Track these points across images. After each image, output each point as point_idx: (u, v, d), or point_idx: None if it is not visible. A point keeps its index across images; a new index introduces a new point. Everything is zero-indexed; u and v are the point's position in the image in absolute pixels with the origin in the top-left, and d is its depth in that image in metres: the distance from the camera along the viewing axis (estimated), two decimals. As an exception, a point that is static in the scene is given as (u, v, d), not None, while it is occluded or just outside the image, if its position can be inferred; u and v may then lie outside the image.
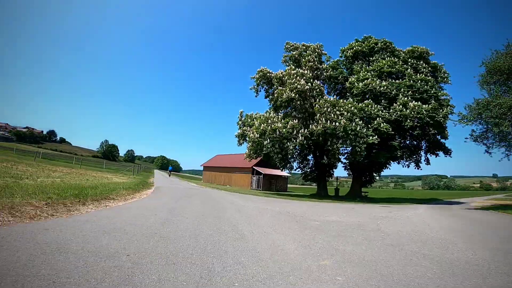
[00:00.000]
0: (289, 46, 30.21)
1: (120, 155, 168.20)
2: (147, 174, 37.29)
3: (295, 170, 28.99)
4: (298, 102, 22.04)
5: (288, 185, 48.85)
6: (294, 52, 29.32)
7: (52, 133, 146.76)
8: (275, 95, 23.54)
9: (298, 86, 22.38)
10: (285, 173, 44.47)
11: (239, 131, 27.02)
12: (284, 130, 20.58)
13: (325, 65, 30.04)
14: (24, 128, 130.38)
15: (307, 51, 27.89)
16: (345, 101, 23.11)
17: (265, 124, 21.35)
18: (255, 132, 21.16)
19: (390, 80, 25.96)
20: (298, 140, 20.18)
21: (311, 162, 31.11)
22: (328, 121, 20.55)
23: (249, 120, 26.54)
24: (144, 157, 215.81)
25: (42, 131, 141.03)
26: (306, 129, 20.94)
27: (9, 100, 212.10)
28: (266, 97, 30.47)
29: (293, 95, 21.98)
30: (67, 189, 8.76)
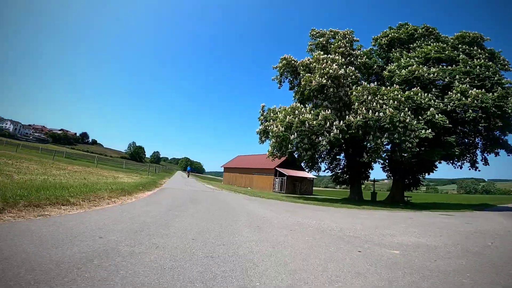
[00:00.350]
0: (314, 33, 26.60)
1: (146, 156, 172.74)
2: (165, 175, 35.28)
3: (324, 171, 25.04)
4: (331, 90, 18.32)
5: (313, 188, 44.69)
6: (321, 39, 25.68)
7: (84, 135, 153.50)
8: (303, 82, 20.00)
9: (330, 71, 18.70)
10: (310, 174, 40.50)
11: (260, 127, 23.77)
12: (314, 122, 16.98)
13: (358, 52, 26.02)
14: (59, 130, 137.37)
15: (336, 37, 24.14)
16: (388, 88, 18.96)
17: (291, 116, 17.89)
18: (279, 126, 17.74)
19: (440, 66, 21.45)
20: (332, 134, 16.47)
21: (343, 162, 27.04)
22: (370, 111, 16.64)
23: (271, 114, 23.20)
24: (169, 158, 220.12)
25: (76, 133, 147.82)
26: (341, 121, 17.17)
27: (46, 103, 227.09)
28: (291, 89, 27.05)
29: (324, 81, 18.32)
30: (29, 188, 6.11)
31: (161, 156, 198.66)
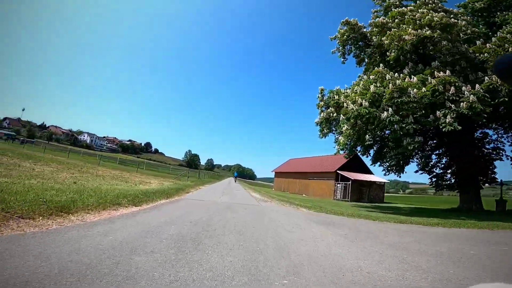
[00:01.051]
0: (380, -6, 19.69)
1: (201, 163, 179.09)
2: (210, 180, 31.42)
3: (418, 171, 17.32)
4: (444, 43, 11.36)
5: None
6: (390, 1, 18.55)
7: (148, 145, 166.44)
8: (386, 41, 13.34)
9: (436, 19, 11.83)
10: (379, 178, 32.17)
11: (321, 116, 17.70)
12: (424, 89, 10.20)
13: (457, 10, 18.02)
14: (128, 141, 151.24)
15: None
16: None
17: (377, 85, 11.44)
18: (358, 100, 11.31)
19: None
20: (463, 104, 9.43)
21: (444, 159, 18.64)
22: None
23: (336, 97, 16.99)
24: (222, 165, 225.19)
25: (141, 143, 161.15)
26: (475, 85, 10.04)
27: (116, 117, 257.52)
28: (358, 64, 20.35)
29: (427, 32, 11.49)
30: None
31: (214, 163, 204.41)
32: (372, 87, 10.94)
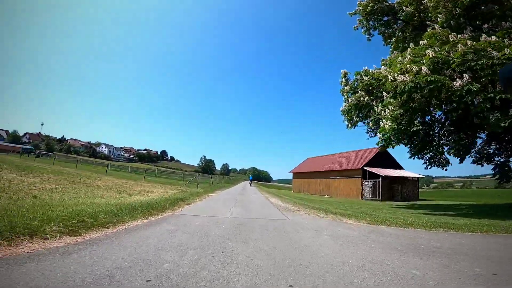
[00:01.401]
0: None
1: (217, 168, 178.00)
2: (223, 186, 28.87)
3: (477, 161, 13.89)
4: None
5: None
6: None
7: (164, 153, 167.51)
8: (431, 3, 10.32)
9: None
10: (411, 173, 28.52)
11: (348, 102, 14.88)
12: (508, 51, 7.14)
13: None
14: (144, 150, 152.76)
15: None
16: None
17: (435, 49, 8.39)
18: (413, 68, 8.16)
19: None
20: None
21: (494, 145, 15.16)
22: None
23: (366, 79, 14.12)
24: (238, 169, 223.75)
25: (157, 152, 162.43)
26: None
27: (132, 127, 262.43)
28: (385, 41, 17.27)
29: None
30: None
31: (230, 168, 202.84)
32: (429, 51, 7.95)
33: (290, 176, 43.22)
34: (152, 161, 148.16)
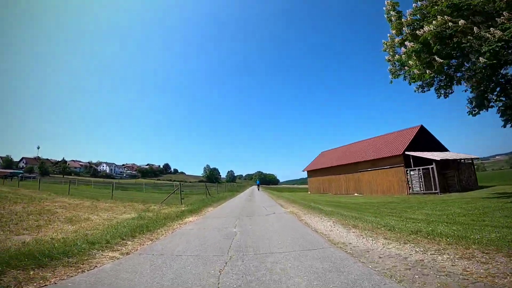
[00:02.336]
0: None
1: (222, 176, 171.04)
2: (221, 197, 22.07)
3: None
4: None
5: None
6: None
7: (166, 166, 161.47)
8: None
9: None
10: (465, 154, 21.90)
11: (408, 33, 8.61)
12: None
13: None
14: (146, 165, 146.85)
15: None
16: None
17: None
18: None
19: None
20: None
21: None
22: None
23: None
24: (244, 175, 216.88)
25: (159, 166, 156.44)
26: None
27: (133, 144, 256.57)
28: None
29: None
30: None
31: (235, 175, 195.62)
32: None
33: (298, 177, 36.84)
34: (155, 175, 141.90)
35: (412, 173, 19.88)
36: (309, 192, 33.59)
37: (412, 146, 21.25)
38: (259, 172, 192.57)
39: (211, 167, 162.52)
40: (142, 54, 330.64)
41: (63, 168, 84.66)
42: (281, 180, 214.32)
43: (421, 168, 19.28)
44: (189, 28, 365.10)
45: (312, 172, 34.15)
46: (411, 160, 19.99)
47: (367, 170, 23.86)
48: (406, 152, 20.28)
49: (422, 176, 19.13)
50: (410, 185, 20.00)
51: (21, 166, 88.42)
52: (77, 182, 35.49)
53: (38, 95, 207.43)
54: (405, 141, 21.35)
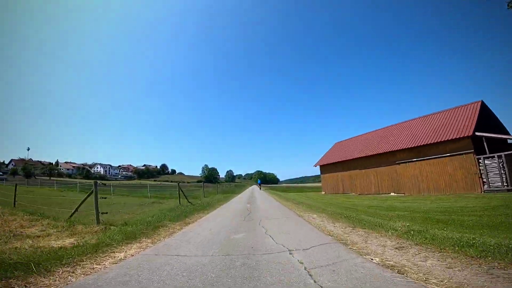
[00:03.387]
0: None
1: (221, 176, 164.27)
2: (216, 200, 15.61)
3: None
4: None
5: None
6: None
7: (164, 167, 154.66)
8: None
9: None
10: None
11: None
12: None
13: None
14: (142, 166, 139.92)
15: None
16: None
17: None
18: None
19: None
20: None
21: None
22: None
23: None
24: (243, 175, 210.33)
25: (156, 166, 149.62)
26: None
27: (130, 145, 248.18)
28: None
29: None
30: None
31: (235, 174, 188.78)
32: None
33: (299, 175, 30.74)
34: (152, 176, 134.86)
35: (487, 162, 13.62)
36: (323, 192, 27.26)
37: (485, 118, 15.11)
38: (259, 171, 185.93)
39: (209, 167, 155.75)
40: (140, 54, 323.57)
41: (49, 169, 77.81)
42: (280, 179, 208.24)
43: (502, 154, 13.00)
44: (185, 27, 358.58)
45: (326, 168, 27.77)
46: (485, 144, 13.74)
47: (411, 161, 17.53)
48: (477, 133, 14.02)
49: (506, 166, 12.88)
50: (483, 178, 13.75)
51: (9, 168, 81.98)
52: (41, 183, 28.99)
53: (34, 96, 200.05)
54: (471, 119, 15.09)
